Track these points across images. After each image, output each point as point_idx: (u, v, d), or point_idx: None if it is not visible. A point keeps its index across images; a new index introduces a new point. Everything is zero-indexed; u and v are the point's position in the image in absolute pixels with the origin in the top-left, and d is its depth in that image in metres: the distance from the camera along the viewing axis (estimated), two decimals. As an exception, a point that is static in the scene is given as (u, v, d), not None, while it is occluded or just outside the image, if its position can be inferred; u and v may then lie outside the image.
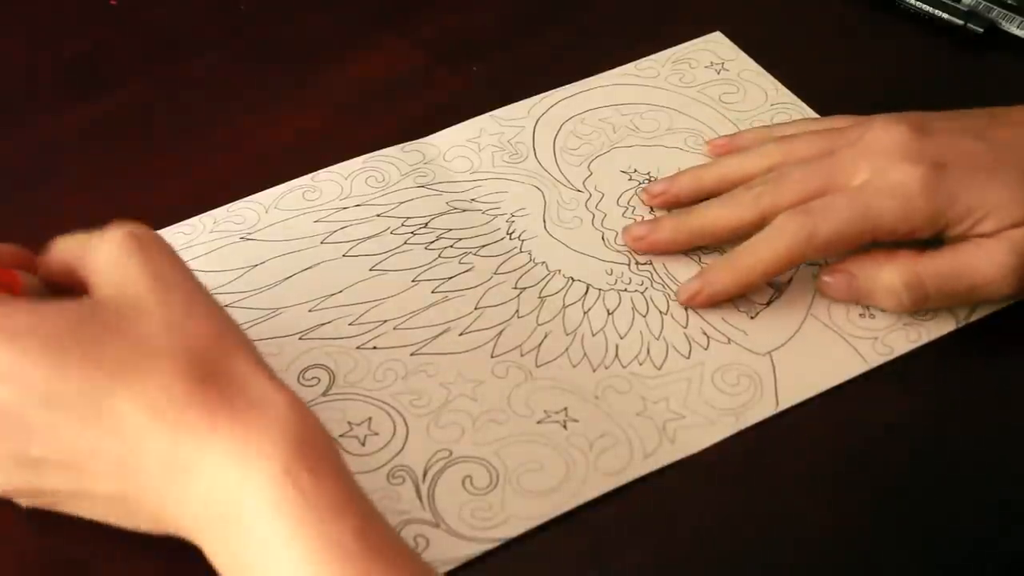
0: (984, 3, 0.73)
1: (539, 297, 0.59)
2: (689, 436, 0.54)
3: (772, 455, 0.54)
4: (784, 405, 0.55)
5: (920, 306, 0.57)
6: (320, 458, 0.43)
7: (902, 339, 0.57)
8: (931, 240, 0.58)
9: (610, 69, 0.71)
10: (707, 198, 0.61)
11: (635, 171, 0.65)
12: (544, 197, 0.64)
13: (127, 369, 0.43)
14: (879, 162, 0.57)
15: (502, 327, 0.58)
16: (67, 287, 0.48)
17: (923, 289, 0.57)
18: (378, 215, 0.62)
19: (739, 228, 0.59)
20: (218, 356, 0.44)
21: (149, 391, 0.43)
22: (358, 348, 0.57)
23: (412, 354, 0.56)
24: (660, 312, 0.58)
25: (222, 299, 0.58)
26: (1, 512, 0.50)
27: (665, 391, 0.55)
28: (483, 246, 0.61)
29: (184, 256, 0.59)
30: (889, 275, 0.57)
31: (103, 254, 0.46)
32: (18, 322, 0.43)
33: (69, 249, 0.48)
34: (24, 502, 0.48)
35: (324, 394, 0.55)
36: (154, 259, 0.46)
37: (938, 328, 0.58)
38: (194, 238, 0.61)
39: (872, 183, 0.57)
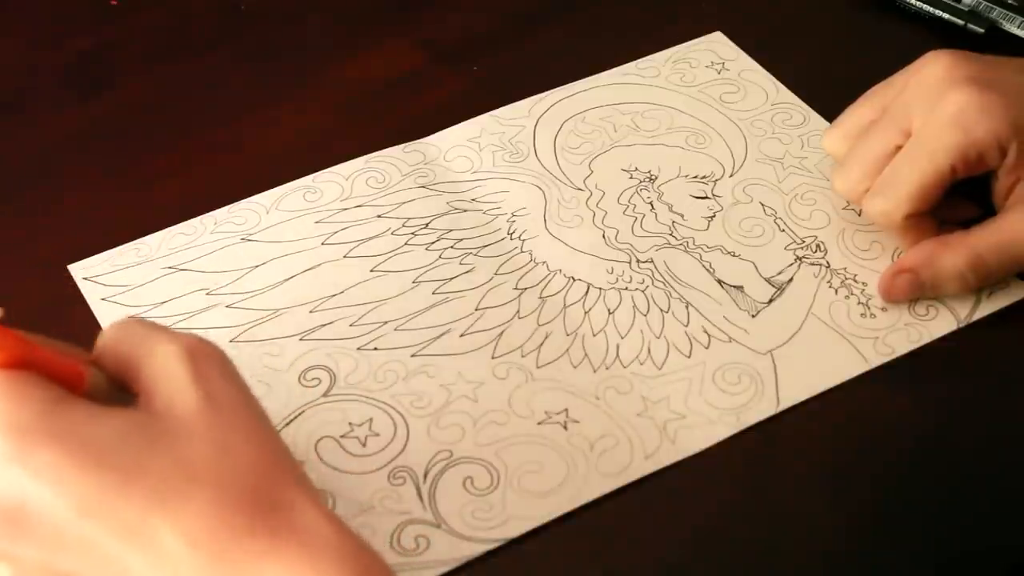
0: (984, 3, 0.73)
1: (540, 297, 0.59)
2: (690, 436, 0.54)
3: (773, 455, 0.54)
4: (785, 404, 0.55)
5: (985, 283, 0.59)
6: None
7: (903, 339, 0.58)
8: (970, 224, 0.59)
9: (610, 69, 0.71)
10: None
11: (636, 169, 0.65)
12: (545, 196, 0.64)
13: (167, 492, 0.40)
14: (930, 98, 0.58)
15: (503, 328, 0.58)
16: (123, 385, 0.45)
17: (985, 266, 0.58)
18: (379, 216, 0.62)
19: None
20: (265, 485, 0.41)
21: (188, 518, 0.40)
22: (359, 349, 0.57)
23: (413, 355, 0.56)
24: (661, 310, 0.59)
25: (223, 300, 0.58)
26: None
27: (666, 391, 0.55)
28: (484, 246, 0.61)
29: (185, 257, 0.60)
30: (951, 261, 0.58)
31: (157, 364, 0.43)
32: (68, 423, 0.41)
33: (123, 346, 0.45)
34: None
35: (325, 395, 0.55)
36: (208, 377, 0.43)
37: (938, 328, 0.58)
38: (195, 239, 0.61)
39: (928, 124, 0.57)
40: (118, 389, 0.44)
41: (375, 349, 0.57)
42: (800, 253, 0.61)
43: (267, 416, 0.44)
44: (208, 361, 0.43)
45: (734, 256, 0.61)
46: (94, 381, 0.44)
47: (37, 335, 0.43)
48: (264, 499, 0.41)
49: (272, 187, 0.64)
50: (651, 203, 0.63)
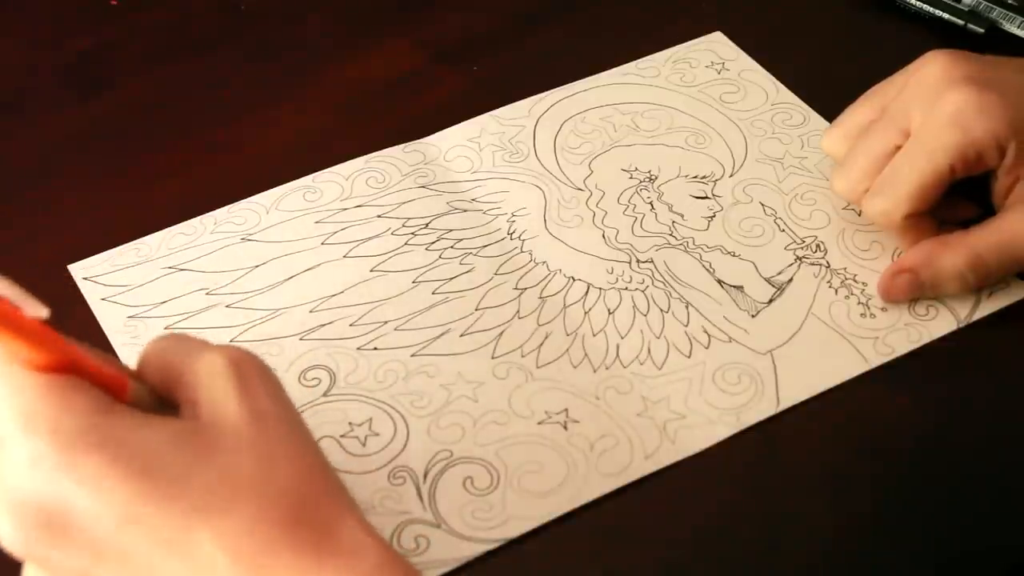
0: (985, 3, 0.73)
1: (540, 297, 0.59)
2: (690, 436, 0.54)
3: (773, 455, 0.54)
4: (785, 404, 0.55)
5: (985, 282, 0.59)
6: None
7: (903, 339, 0.58)
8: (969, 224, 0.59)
9: (610, 69, 0.71)
10: None
11: (636, 169, 0.65)
12: (545, 196, 0.64)
13: (212, 503, 0.40)
14: (929, 98, 0.58)
15: (503, 328, 0.58)
16: (166, 396, 0.44)
17: (985, 266, 0.58)
18: (379, 216, 0.62)
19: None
20: (308, 498, 0.41)
21: (232, 530, 0.39)
22: (359, 349, 0.57)
23: (413, 355, 0.56)
24: (661, 310, 0.59)
25: (224, 300, 0.58)
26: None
27: (666, 391, 0.55)
28: (484, 246, 0.61)
29: (185, 257, 0.60)
30: (950, 261, 0.58)
31: (202, 375, 0.43)
32: (114, 431, 0.40)
33: (167, 357, 0.44)
34: None
35: (325, 395, 0.55)
36: (253, 390, 0.43)
37: (938, 328, 0.58)
38: (195, 239, 0.61)
39: (927, 124, 0.57)
40: (159, 402, 0.44)
41: (375, 349, 0.57)
42: (800, 253, 0.61)
43: (310, 431, 0.44)
44: (253, 374, 0.43)
45: (734, 256, 0.61)
46: (136, 392, 0.43)
47: (80, 341, 0.42)
48: (306, 515, 0.41)
49: (272, 187, 0.64)
50: (651, 203, 0.63)
